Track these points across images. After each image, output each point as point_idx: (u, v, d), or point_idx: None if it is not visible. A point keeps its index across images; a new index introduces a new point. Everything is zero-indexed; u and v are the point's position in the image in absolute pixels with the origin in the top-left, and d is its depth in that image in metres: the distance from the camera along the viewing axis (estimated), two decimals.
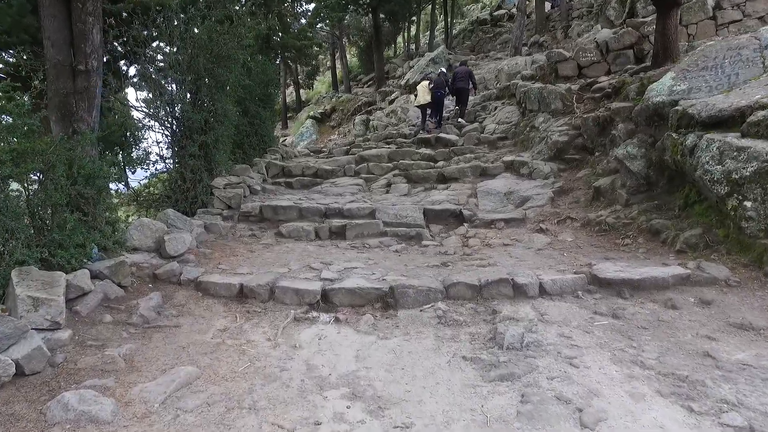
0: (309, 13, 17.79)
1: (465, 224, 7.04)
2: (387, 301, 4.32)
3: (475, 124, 12.01)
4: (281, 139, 29.88)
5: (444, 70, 14.57)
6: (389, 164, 10.46)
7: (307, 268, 5.22)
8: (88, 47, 5.63)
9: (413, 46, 30.34)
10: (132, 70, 9.99)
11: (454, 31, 28.74)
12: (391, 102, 21.02)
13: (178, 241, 5.30)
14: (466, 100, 13.09)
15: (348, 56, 32.76)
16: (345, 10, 19.58)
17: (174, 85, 8.56)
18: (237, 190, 7.97)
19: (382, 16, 22.76)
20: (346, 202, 8.00)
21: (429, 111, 13.11)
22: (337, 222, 6.99)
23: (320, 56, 43.13)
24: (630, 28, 10.52)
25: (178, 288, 4.74)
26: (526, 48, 19.38)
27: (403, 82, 21.77)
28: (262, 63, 12.91)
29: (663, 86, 6.75)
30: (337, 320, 4.11)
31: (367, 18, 31.18)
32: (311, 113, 27.18)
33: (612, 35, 10.76)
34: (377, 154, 10.88)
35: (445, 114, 13.69)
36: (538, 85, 10.90)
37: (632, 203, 6.44)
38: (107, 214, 5.15)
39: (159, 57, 9.79)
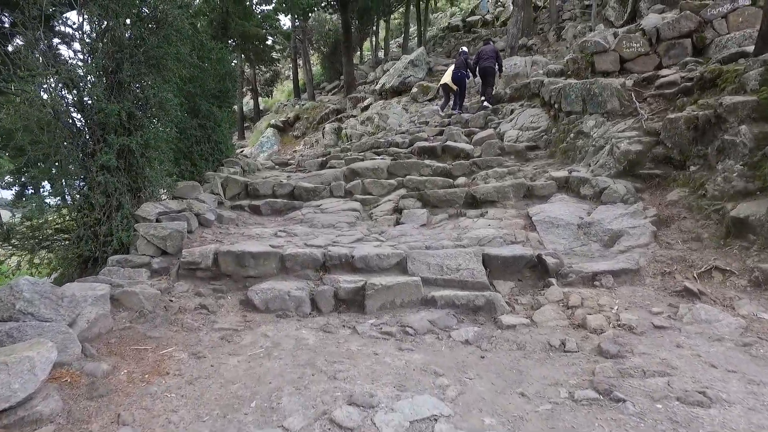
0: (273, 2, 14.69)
1: (552, 280, 4.28)
2: None
3: (489, 130, 9.38)
4: (240, 151, 26.53)
5: (465, 49, 12.45)
6: (391, 181, 7.60)
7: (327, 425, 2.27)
8: None
9: (381, 53, 27.77)
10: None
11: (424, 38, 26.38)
12: (365, 108, 18.22)
13: (14, 374, 2.22)
14: (493, 81, 11.50)
15: (310, 63, 29.73)
16: (311, 4, 16.66)
17: (80, 59, 5.41)
18: (176, 225, 4.87)
19: (352, 15, 20.00)
20: (351, 242, 5.07)
21: (453, 96, 12.24)
22: (346, 281, 4.06)
23: (279, 63, 39.93)
24: (688, 12, 8.22)
25: None
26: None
27: (377, 87, 19.04)
28: (219, 50, 9.85)
29: None
30: None
31: (332, 19, 28.40)
32: (272, 122, 23.97)
33: (663, 21, 8.44)
34: (373, 168, 8.00)
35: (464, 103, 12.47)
36: (577, 80, 8.40)
37: None
38: None
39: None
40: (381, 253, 4.34)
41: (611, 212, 5.60)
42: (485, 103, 10.99)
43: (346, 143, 14.63)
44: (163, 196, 6.44)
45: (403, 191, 7.32)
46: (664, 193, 6.00)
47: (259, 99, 35.84)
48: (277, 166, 14.73)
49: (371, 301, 3.87)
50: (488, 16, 24.58)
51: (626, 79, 7.78)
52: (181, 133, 8.97)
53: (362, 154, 10.64)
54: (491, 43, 11.97)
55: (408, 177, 7.50)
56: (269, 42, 31.43)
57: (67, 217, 5.40)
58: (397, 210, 6.81)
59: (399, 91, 17.72)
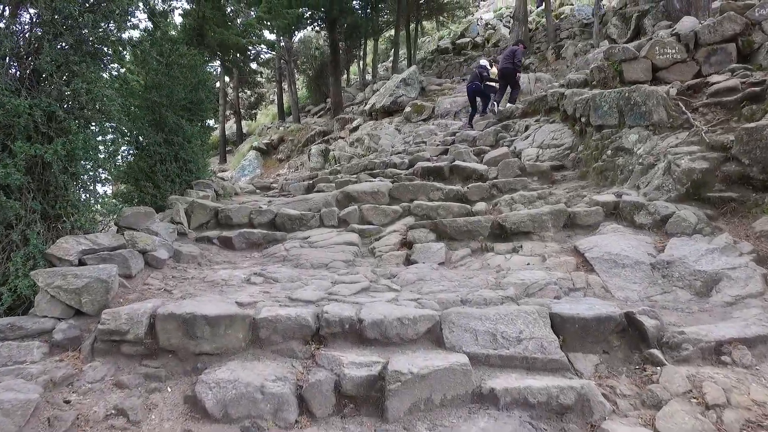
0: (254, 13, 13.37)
1: (656, 353, 2.83)
2: None
3: (502, 149, 8.05)
4: (221, 175, 24.91)
5: (483, 62, 11.71)
6: (395, 207, 6.14)
7: None
8: None
9: (369, 76, 26.76)
10: None
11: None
12: (354, 130, 16.93)
13: None
14: (514, 82, 10.93)
15: (295, 85, 28.54)
16: (295, 21, 15.47)
17: None
18: (98, 270, 3.30)
19: (340, 33, 18.90)
20: (354, 292, 3.57)
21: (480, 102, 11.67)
22: (354, 363, 2.55)
23: (264, 87, 38.71)
24: (732, 13, 7.12)
25: None
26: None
27: (366, 108, 17.81)
28: (192, 56, 8.53)
29: None
30: None
31: (318, 41, 27.44)
32: (255, 144, 22.56)
33: (701, 25, 7.33)
34: (372, 191, 6.54)
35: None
36: (608, 90, 7.16)
37: None
38: None
39: None
40: (404, 317, 2.84)
41: (692, 247, 4.23)
42: (508, 105, 10.20)
43: (335, 165, 13.23)
44: (103, 224, 4.89)
45: (410, 219, 5.88)
46: (747, 222, 4.68)
47: (244, 122, 34.50)
48: (258, 190, 13.23)
49: (396, 401, 2.36)
50: (478, 39, 23.78)
51: (669, 87, 6.56)
52: (141, 150, 7.48)
53: (355, 175, 9.23)
54: (518, 45, 11.15)
55: (416, 202, 6.06)
56: (254, 66, 30.38)
57: None
58: (406, 243, 5.35)
59: (390, 111, 16.50)
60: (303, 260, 4.82)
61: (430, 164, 7.83)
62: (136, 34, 9.57)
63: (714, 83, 6.21)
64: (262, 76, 33.53)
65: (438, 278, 4.15)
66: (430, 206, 5.90)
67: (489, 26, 24.24)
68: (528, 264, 4.61)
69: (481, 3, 31.11)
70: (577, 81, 7.92)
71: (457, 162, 7.61)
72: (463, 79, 17.96)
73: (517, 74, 10.72)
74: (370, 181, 7.63)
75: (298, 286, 3.74)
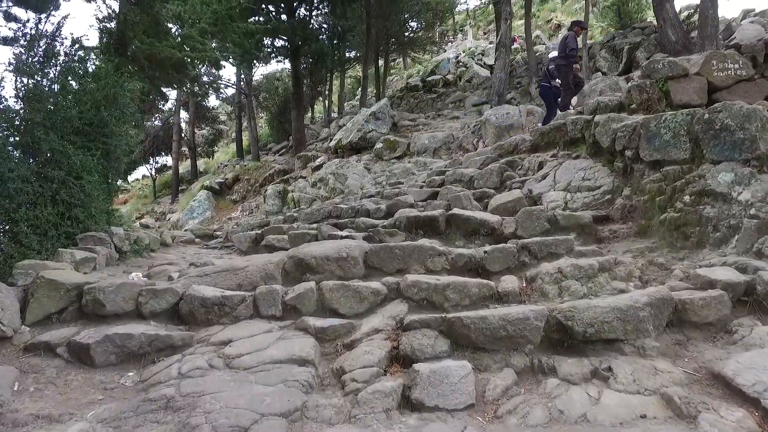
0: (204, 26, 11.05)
1: None
2: None
3: (513, 192, 5.88)
4: (168, 217, 21.89)
5: (554, 53, 9.91)
6: (374, 284, 3.73)
7: None
8: None
9: (335, 113, 24.87)
10: None
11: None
12: (317, 168, 14.66)
13: None
14: (562, 79, 8.83)
15: (255, 121, 26.26)
16: (250, 44, 13.36)
17: None
18: None
19: (304, 63, 16.90)
20: None
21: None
22: None
23: (225, 124, 36.24)
24: None
25: None
26: (490, 104, 14.42)
27: (332, 144, 15.65)
28: (99, 67, 6.26)
29: None
30: None
31: (280, 75, 25.53)
32: (207, 183, 19.91)
33: None
34: (338, 256, 4.09)
35: None
36: (651, 113, 5.17)
37: None
38: None
39: None
40: None
41: None
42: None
43: (293, 211, 10.83)
44: None
45: (401, 307, 3.50)
46: None
47: (203, 160, 31.72)
48: (197, 240, 10.60)
49: None
50: (449, 76, 22.41)
51: (758, 105, 4.61)
52: None
53: (315, 225, 6.87)
54: (573, 29, 8.89)
55: (410, 278, 3.67)
56: (212, 104, 28.03)
57: None
58: (399, 359, 2.96)
59: (358, 147, 14.38)
60: (200, 414, 2.35)
61: (417, 213, 5.55)
62: None
63: None
64: (221, 111, 31.25)
65: None
66: (432, 285, 3.55)
67: (461, 64, 22.96)
68: (642, 416, 2.31)
69: (449, 43, 30.18)
70: (609, 105, 5.93)
71: (455, 210, 5.36)
72: (438, 115, 16.18)
73: (573, 67, 8.44)
74: (335, 237, 5.27)
75: None
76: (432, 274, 3.99)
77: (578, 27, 8.68)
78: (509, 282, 3.77)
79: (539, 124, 8.14)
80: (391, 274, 4.08)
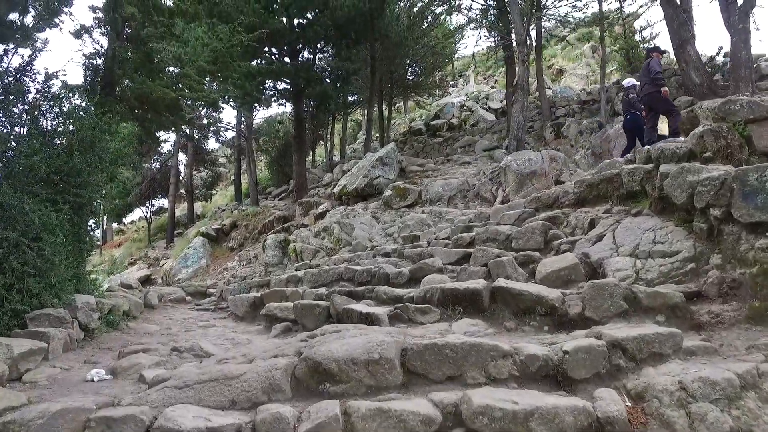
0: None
1: None
2: None
3: (567, 257, 4.83)
4: (162, 263, 20.67)
5: (630, 81, 8.84)
6: (423, 407, 2.62)
7: None
8: None
9: (336, 158, 24.22)
10: None
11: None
12: (320, 216, 13.67)
13: None
14: (661, 106, 7.61)
15: (255, 164, 25.54)
16: (252, 87, 12.68)
17: None
18: None
19: (306, 106, 16.24)
20: None
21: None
22: None
23: (224, 167, 35.61)
24: None
25: None
26: (504, 149, 13.66)
27: (335, 190, 14.73)
28: (74, 105, 5.22)
29: None
30: None
31: (281, 118, 25.00)
32: (202, 229, 18.86)
33: None
34: (366, 359, 2.95)
35: None
36: (733, 163, 4.20)
37: None
38: None
39: None
40: None
41: None
42: (666, 139, 7.04)
43: (296, 265, 9.74)
44: None
45: None
46: None
47: (200, 204, 30.81)
48: (188, 298, 9.51)
49: None
50: (454, 120, 21.87)
51: None
52: None
53: (322, 291, 5.81)
54: (651, 54, 7.97)
55: (476, 402, 2.54)
56: (211, 146, 27.45)
57: None
58: None
59: (365, 195, 13.44)
60: None
61: (455, 285, 4.46)
62: None
63: None
64: (220, 154, 30.65)
65: None
66: (510, 414, 2.42)
67: (465, 108, 22.48)
68: None
69: (452, 87, 30.00)
70: (676, 153, 4.97)
71: (501, 282, 4.27)
72: (448, 160, 15.37)
73: (662, 91, 7.52)
74: (350, 314, 4.17)
75: None
76: (496, 384, 2.87)
77: (656, 53, 7.93)
78: (610, 401, 2.64)
79: (619, 158, 7.17)
80: (440, 383, 2.96)
